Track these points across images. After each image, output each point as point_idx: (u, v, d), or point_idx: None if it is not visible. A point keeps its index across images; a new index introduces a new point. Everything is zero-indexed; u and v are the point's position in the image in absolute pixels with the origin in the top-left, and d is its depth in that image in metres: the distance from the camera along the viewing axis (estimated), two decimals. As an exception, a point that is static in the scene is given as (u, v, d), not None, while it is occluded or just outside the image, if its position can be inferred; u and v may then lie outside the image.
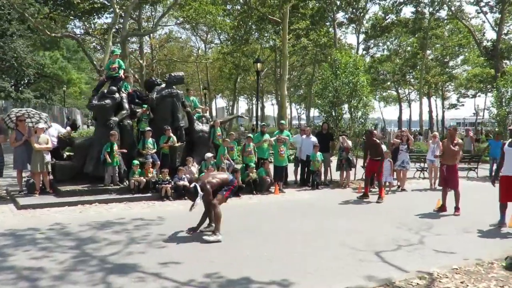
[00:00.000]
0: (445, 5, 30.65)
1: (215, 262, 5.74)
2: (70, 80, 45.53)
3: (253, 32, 32.33)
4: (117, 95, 10.55)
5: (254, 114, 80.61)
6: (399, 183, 12.92)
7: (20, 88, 37.00)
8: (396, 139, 13.47)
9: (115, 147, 9.99)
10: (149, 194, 10.10)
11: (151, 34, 34.18)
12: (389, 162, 12.32)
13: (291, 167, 13.85)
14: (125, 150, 10.37)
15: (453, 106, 42.93)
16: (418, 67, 39.12)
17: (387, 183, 12.35)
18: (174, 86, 11.59)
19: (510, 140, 8.17)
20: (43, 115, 10.22)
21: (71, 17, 22.78)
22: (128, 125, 10.92)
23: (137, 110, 11.07)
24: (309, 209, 9.55)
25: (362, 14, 32.92)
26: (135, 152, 10.77)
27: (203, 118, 12.09)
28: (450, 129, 9.72)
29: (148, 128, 10.83)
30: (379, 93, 62.44)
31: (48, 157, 9.57)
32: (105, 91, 10.50)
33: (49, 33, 18.41)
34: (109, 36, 17.61)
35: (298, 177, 13.26)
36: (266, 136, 12.64)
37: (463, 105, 38.72)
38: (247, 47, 32.60)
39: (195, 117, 12.01)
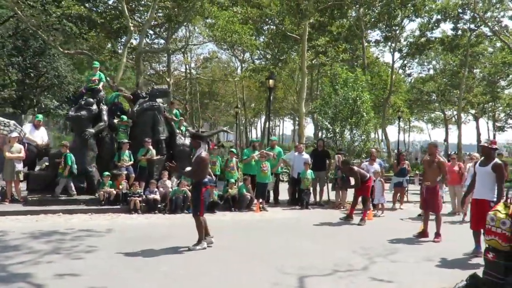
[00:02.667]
0: (487, 21, 29.04)
1: (118, 275, 5.42)
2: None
3: (286, 51, 32.12)
4: (94, 106, 10.62)
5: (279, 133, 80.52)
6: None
7: (62, 105, 38.89)
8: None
9: (72, 158, 9.94)
10: (118, 206, 9.97)
11: (185, 54, 35.00)
12: (380, 182, 11.51)
13: (285, 185, 13.36)
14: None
15: (500, 128, 40.08)
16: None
17: (380, 205, 11.53)
18: (157, 99, 11.52)
19: (481, 158, 7.28)
20: (11, 122, 10.42)
21: (99, 37, 23.67)
22: (107, 137, 10.93)
23: (115, 122, 11.08)
24: (278, 229, 9.01)
25: (398, 32, 31.85)
26: (112, 164, 10.72)
27: (186, 132, 11.90)
28: (430, 145, 8.86)
29: (125, 140, 10.79)
30: (427, 114, 60.17)
31: (19, 166, 9.70)
32: (82, 102, 10.59)
33: (61, 50, 19.18)
34: (123, 53, 18.04)
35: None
36: (256, 152, 12.23)
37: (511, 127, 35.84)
38: (279, 66, 32.38)
39: (181, 130, 11.85)
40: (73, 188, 10.03)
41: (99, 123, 10.68)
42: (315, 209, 12.23)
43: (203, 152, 6.86)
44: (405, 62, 37.99)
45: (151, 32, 27.07)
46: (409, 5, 27.45)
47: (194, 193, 6.98)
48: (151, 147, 10.93)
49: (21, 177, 9.89)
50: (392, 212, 11.97)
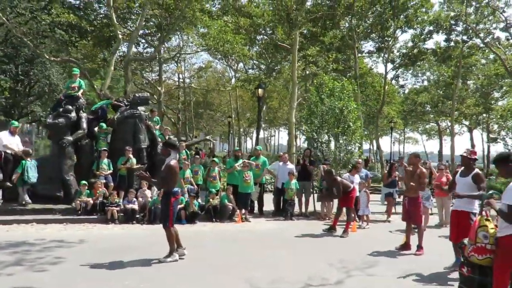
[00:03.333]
0: (478, 32, 29.10)
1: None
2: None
3: (279, 61, 32.02)
4: (73, 114, 10.43)
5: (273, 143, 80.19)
6: None
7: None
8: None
9: (28, 165, 9.72)
10: (94, 216, 9.73)
11: (178, 63, 34.94)
12: (365, 193, 11.31)
13: (270, 196, 13.15)
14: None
15: (493, 140, 40.10)
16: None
17: (364, 216, 11.32)
18: (138, 107, 11.33)
19: (462, 168, 7.10)
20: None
21: (90, 45, 23.56)
22: (87, 145, 10.73)
23: (95, 130, 10.88)
24: (257, 241, 8.79)
25: (391, 43, 31.87)
26: (91, 173, 10.50)
27: (170, 140, 11.67)
28: (411, 156, 8.68)
29: (104, 148, 10.59)
30: (421, 125, 60.19)
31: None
32: (61, 110, 10.39)
33: (47, 56, 19.02)
34: (111, 61, 17.89)
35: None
36: (240, 162, 12.03)
37: (503, 138, 35.72)
38: (273, 76, 32.31)
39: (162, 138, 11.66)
40: (27, 197, 9.78)
41: (78, 130, 10.47)
42: (300, 220, 12.01)
43: (172, 160, 6.66)
44: (398, 73, 38.02)
45: (142, 41, 26.94)
46: (402, 16, 27.47)
47: (163, 203, 6.77)
48: (131, 155, 10.72)
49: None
50: (381, 224, 11.73)
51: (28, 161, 9.84)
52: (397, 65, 34.75)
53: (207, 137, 15.38)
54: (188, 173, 11.20)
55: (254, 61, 36.11)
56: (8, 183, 9.55)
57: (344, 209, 10.31)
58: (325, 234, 9.99)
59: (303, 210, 12.74)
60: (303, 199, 12.73)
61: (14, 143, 10.30)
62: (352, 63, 28.25)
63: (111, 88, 48.86)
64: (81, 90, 10.87)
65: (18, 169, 9.77)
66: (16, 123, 10.64)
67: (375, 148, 44.14)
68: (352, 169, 11.96)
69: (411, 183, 8.29)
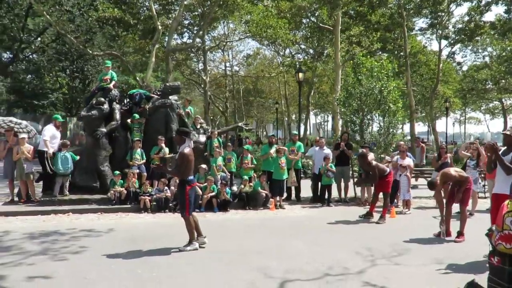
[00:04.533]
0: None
1: (87, 277, 5.26)
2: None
3: (325, 43, 31.16)
4: (105, 106, 10.61)
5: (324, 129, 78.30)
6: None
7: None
8: (465, 152, 11.29)
9: (64, 157, 9.99)
10: (128, 206, 9.91)
11: (223, 52, 34.99)
12: (406, 177, 10.68)
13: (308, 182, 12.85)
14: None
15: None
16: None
17: (405, 202, 10.72)
18: (170, 97, 11.37)
19: (503, 149, 6.44)
20: (23, 123, 10.59)
21: (135, 38, 24.11)
22: (121, 136, 10.92)
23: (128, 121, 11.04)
24: (285, 228, 8.55)
25: (445, 18, 30.00)
26: (125, 163, 10.69)
27: (200, 129, 11.66)
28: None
29: (137, 139, 10.72)
30: (484, 104, 56.73)
31: (28, 167, 9.85)
32: (94, 102, 10.62)
33: (91, 52, 19.61)
34: (152, 53, 18.15)
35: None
36: (274, 148, 11.78)
37: None
38: (322, 60, 31.55)
39: (194, 127, 11.66)
40: (66, 188, 10.10)
41: (111, 122, 10.67)
42: (339, 206, 11.62)
43: (186, 148, 6.55)
44: (455, 50, 35.85)
45: (186, 31, 27.18)
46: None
47: (179, 193, 6.70)
48: (163, 145, 10.79)
49: (32, 177, 9.99)
50: (428, 210, 11.02)
51: (61, 153, 10.13)
52: (452, 42, 32.71)
53: (240, 124, 15.17)
54: (220, 160, 11.13)
55: (301, 45, 35.46)
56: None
57: (381, 194, 9.82)
58: (360, 220, 9.58)
59: (342, 196, 12.33)
60: (342, 184, 12.31)
61: (56, 138, 10.63)
62: (402, 42, 26.87)
63: (164, 80, 50.14)
64: (113, 82, 11.06)
65: (54, 160, 10.15)
66: (60, 117, 10.97)
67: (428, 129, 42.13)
68: (400, 153, 11.37)
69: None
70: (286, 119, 46.65)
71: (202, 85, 30.70)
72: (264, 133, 68.87)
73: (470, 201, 8.83)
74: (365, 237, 7.92)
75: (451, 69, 38.80)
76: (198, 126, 11.67)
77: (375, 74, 12.49)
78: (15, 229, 7.90)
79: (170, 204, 10.04)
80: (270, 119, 66.32)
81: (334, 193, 12.47)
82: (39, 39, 26.67)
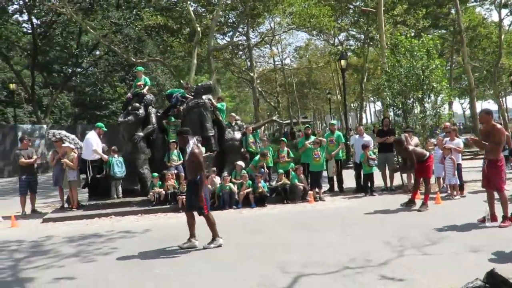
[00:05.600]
0: None
1: (108, 278, 5.43)
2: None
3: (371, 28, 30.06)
4: (141, 111, 10.93)
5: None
6: None
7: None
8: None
9: (114, 162, 10.34)
10: (167, 206, 10.15)
11: (271, 47, 34.90)
12: (451, 160, 10.02)
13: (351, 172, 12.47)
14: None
15: None
16: None
17: (452, 186, 10.08)
18: (203, 96, 11.49)
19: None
20: (71, 136, 11.15)
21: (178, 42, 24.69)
22: (158, 139, 11.20)
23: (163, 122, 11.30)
24: (317, 221, 8.38)
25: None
26: (164, 165, 10.95)
27: (235, 125, 11.66)
28: (482, 114, 7.39)
29: (172, 140, 10.93)
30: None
31: (72, 175, 10.37)
32: (130, 108, 10.97)
33: (133, 59, 20.26)
34: (193, 55, 18.46)
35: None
36: (311, 139, 11.54)
37: None
38: (374, 44, 30.43)
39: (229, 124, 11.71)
40: (119, 191, 10.48)
41: (148, 126, 10.97)
42: (383, 195, 11.18)
43: (194, 148, 6.53)
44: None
45: (227, 29, 27.39)
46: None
47: (191, 192, 6.58)
48: (200, 144, 10.90)
49: (75, 184, 10.47)
50: (480, 194, 10.28)
51: (115, 157, 10.60)
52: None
53: (274, 118, 15.04)
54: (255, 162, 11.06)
55: (351, 31, 34.47)
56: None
57: (422, 180, 9.30)
58: (401, 209, 9.15)
59: (388, 184, 11.83)
60: (387, 172, 11.81)
61: (100, 146, 11.10)
62: (456, 16, 25.27)
63: (218, 81, 50.94)
64: (147, 87, 11.36)
65: (106, 166, 10.63)
66: (103, 126, 11.40)
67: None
68: (447, 134, 10.72)
69: (487, 143, 7.13)
70: (338, 108, 45.62)
71: (251, 82, 30.83)
72: (324, 124, 68.00)
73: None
74: (401, 226, 7.55)
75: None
76: (233, 123, 11.68)
77: (415, 53, 11.83)
78: (58, 234, 8.33)
79: (208, 202, 10.14)
80: (328, 110, 65.31)
81: (379, 182, 12.04)
82: (93, 52, 28.09)
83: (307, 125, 15.77)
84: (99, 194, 10.82)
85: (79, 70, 27.74)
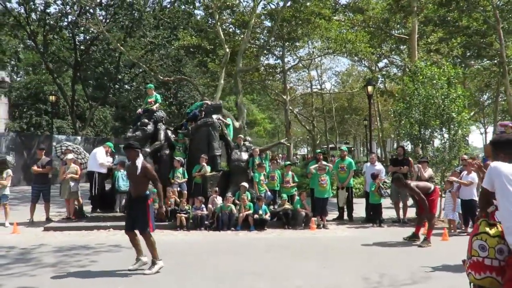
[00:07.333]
0: None
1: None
2: (254, 121, 49.46)
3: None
4: (149, 127, 11.08)
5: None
6: None
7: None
8: None
9: (120, 175, 10.47)
10: (166, 223, 10.12)
11: (308, 70, 34.80)
12: (451, 193, 9.45)
13: (362, 201, 12.02)
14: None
15: None
16: None
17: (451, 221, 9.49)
18: (213, 115, 11.53)
19: None
20: (81, 149, 11.42)
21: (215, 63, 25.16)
22: (165, 155, 11.28)
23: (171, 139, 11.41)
24: (306, 249, 8.10)
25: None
26: (168, 182, 10.99)
27: (243, 146, 11.57)
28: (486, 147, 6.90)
29: (178, 158, 10.98)
30: None
31: (74, 186, 10.60)
32: (139, 124, 11.16)
33: (161, 77, 20.72)
34: (221, 74, 18.70)
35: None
36: (315, 165, 11.25)
37: None
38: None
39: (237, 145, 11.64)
40: (122, 204, 10.58)
41: (155, 142, 11.11)
42: (393, 227, 10.65)
43: (145, 162, 6.43)
44: None
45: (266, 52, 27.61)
46: None
47: (139, 209, 6.36)
48: (204, 163, 10.91)
49: (75, 195, 10.69)
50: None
51: (120, 171, 10.77)
52: None
53: (282, 141, 14.76)
54: (261, 177, 10.88)
55: (391, 58, 33.82)
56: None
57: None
58: (402, 243, 8.67)
59: (401, 216, 11.28)
60: (401, 203, 11.29)
61: (106, 160, 11.33)
62: (497, 45, 24.21)
63: (254, 102, 51.25)
64: (157, 104, 11.54)
65: (112, 179, 10.84)
66: (112, 145, 11.60)
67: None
68: (464, 167, 10.18)
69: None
70: (380, 135, 44.54)
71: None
72: (361, 149, 66.67)
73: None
74: (390, 261, 7.12)
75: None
76: (241, 144, 11.61)
77: (435, 81, 11.37)
78: (51, 243, 8.47)
79: (206, 222, 10.06)
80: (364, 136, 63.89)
81: (392, 213, 11.54)
82: (132, 69, 29.12)
83: (319, 150, 15.39)
84: (105, 206, 10.98)
85: (117, 86, 28.75)
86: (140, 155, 6.44)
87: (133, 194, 6.46)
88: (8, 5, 23.17)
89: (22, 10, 24.20)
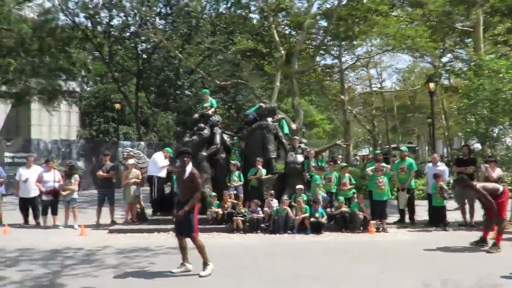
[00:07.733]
0: None
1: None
2: (313, 122, 48.99)
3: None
4: (205, 131, 11.27)
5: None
6: None
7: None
8: None
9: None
10: (222, 226, 10.24)
11: (367, 69, 33.98)
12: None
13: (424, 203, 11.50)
14: None
15: None
16: None
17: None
18: (268, 118, 11.54)
19: None
20: (141, 154, 11.81)
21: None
22: (221, 159, 11.42)
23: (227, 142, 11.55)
24: (365, 253, 7.86)
25: None
26: (225, 185, 11.13)
27: (299, 149, 11.45)
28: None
29: (234, 162, 11.07)
30: None
31: (136, 190, 10.99)
32: (195, 128, 11.39)
33: (218, 82, 20.99)
34: (277, 77, 18.71)
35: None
36: (372, 166, 10.91)
37: None
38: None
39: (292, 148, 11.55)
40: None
41: (212, 146, 11.29)
42: (459, 231, 10.08)
43: (194, 169, 6.50)
44: None
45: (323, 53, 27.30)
46: None
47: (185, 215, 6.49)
48: (260, 166, 10.91)
49: (137, 199, 11.07)
50: None
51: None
52: None
53: (338, 142, 14.40)
54: (318, 180, 10.71)
55: (455, 52, 32.17)
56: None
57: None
58: (468, 248, 8.19)
59: (468, 219, 10.65)
60: (467, 206, 10.67)
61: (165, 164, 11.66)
62: None
63: (312, 103, 50.71)
64: (212, 109, 11.71)
65: (171, 183, 11.18)
66: (170, 150, 11.91)
67: None
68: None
69: None
70: (446, 133, 42.47)
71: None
72: (426, 149, 63.99)
73: None
74: (455, 266, 6.74)
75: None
76: (296, 146, 11.51)
77: (501, 75, 10.66)
78: (114, 245, 8.83)
79: (262, 225, 10.07)
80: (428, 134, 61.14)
81: (458, 216, 10.95)
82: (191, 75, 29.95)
83: (378, 151, 14.87)
84: (164, 209, 11.31)
85: (178, 92, 29.67)
86: (190, 162, 6.57)
87: (181, 198, 6.62)
88: (76, 19, 24.64)
89: (89, 24, 25.68)
